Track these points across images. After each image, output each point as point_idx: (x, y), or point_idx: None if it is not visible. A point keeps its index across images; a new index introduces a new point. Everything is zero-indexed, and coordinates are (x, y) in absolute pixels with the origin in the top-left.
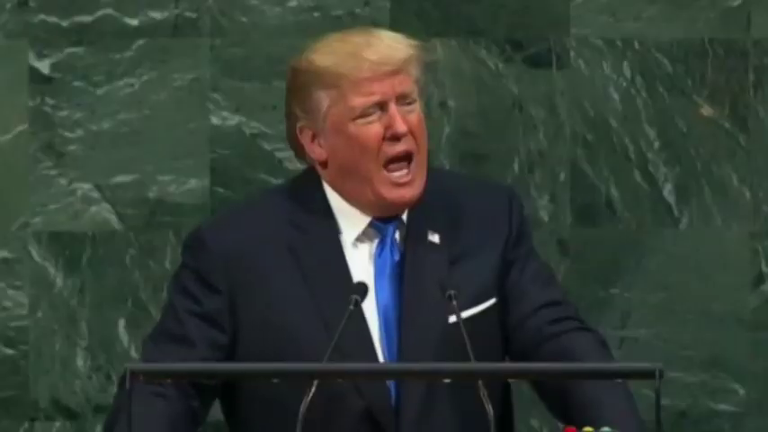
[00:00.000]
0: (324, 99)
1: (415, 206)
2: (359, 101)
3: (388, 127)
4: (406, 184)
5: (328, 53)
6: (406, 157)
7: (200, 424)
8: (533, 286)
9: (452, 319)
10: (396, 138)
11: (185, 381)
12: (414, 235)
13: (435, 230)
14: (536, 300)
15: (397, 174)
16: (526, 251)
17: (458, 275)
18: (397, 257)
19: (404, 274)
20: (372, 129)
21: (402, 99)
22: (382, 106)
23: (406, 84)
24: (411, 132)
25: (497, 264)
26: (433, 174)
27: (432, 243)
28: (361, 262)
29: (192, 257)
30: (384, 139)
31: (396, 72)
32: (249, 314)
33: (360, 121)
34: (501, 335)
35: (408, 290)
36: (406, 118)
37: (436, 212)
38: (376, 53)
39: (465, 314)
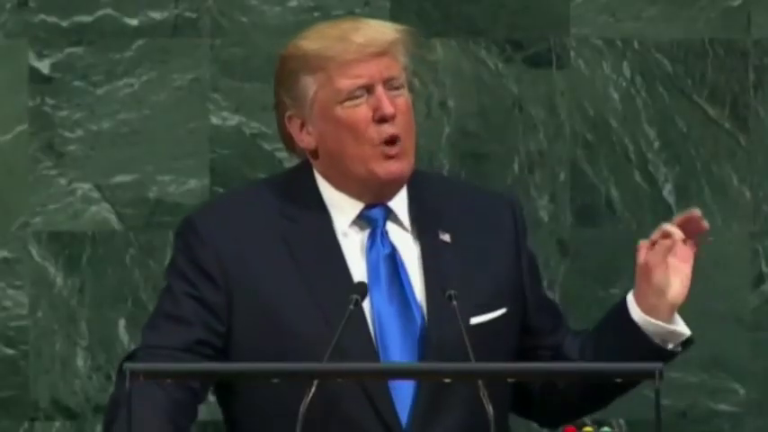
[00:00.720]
0: (311, 84)
1: (409, 192)
2: (345, 83)
3: (375, 109)
4: (395, 158)
5: (317, 38)
6: (394, 141)
7: (202, 401)
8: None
9: (473, 320)
10: (383, 119)
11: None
12: (425, 234)
13: (446, 230)
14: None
15: (385, 147)
16: (536, 276)
17: (473, 277)
18: (387, 250)
19: (398, 269)
20: (360, 111)
21: (389, 83)
22: (369, 89)
23: (393, 68)
24: (398, 116)
25: (510, 274)
26: (434, 177)
27: (444, 242)
28: (354, 255)
29: (186, 245)
30: (372, 121)
31: (382, 54)
32: (247, 311)
33: (347, 103)
34: (514, 341)
35: (428, 290)
36: (393, 101)
37: (443, 213)
38: (363, 36)
39: (477, 320)
